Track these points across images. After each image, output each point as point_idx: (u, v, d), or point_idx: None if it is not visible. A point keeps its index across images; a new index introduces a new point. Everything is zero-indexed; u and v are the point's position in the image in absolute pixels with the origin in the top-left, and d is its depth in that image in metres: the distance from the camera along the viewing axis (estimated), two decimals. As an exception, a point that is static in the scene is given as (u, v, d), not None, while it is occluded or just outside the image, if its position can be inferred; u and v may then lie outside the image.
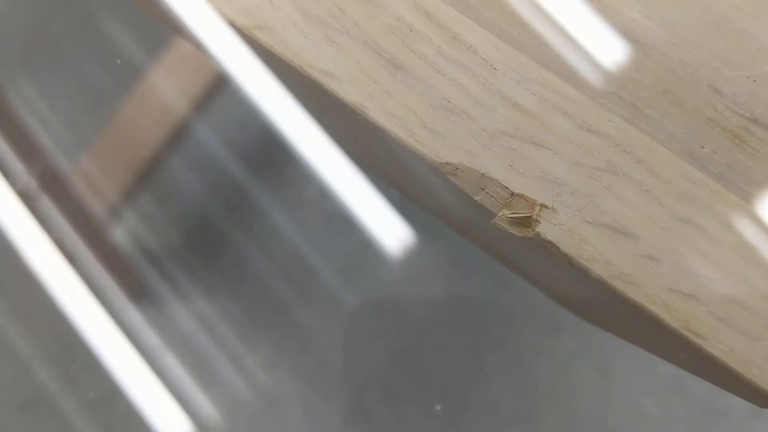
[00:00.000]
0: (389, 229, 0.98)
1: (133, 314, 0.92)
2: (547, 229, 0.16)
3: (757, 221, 0.17)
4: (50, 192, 0.77)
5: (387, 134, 0.17)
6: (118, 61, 0.80)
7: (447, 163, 0.16)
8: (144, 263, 0.94)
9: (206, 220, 0.95)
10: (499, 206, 0.16)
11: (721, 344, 0.15)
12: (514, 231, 0.16)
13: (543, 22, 0.17)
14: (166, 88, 0.83)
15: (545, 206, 0.16)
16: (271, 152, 1.04)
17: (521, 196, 0.16)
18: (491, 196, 0.16)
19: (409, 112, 0.17)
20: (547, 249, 0.16)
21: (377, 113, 0.16)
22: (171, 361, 0.91)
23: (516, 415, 0.90)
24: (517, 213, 0.16)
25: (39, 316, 0.86)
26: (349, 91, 0.17)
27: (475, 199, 0.16)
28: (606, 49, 0.17)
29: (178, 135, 0.85)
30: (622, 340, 0.89)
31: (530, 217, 0.16)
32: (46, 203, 0.82)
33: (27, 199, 0.74)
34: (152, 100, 0.80)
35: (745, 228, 0.16)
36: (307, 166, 0.99)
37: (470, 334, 0.93)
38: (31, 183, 0.82)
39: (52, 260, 0.80)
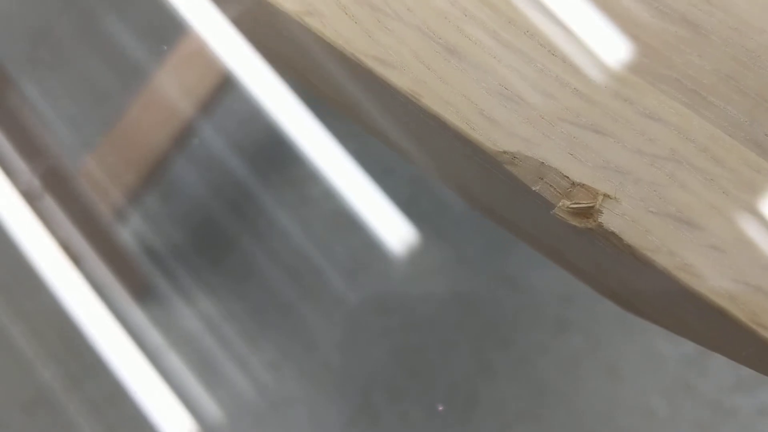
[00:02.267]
0: (394, 228, 0.98)
1: (137, 314, 0.92)
2: (609, 219, 0.16)
3: None
4: (54, 191, 0.77)
5: (441, 121, 0.16)
6: (165, 47, 0.80)
7: (504, 152, 0.16)
8: (148, 263, 0.94)
9: (211, 220, 0.95)
10: (559, 196, 0.16)
11: None
12: (575, 222, 0.16)
13: (601, 6, 0.17)
14: (172, 89, 0.83)
15: (608, 196, 0.16)
16: (275, 152, 1.04)
17: (582, 185, 0.16)
18: (550, 185, 0.16)
19: (464, 99, 0.16)
20: (609, 240, 0.16)
21: (431, 100, 0.16)
22: (175, 361, 0.91)
23: (523, 414, 0.90)
24: (579, 203, 0.16)
25: (43, 315, 0.86)
26: (402, 78, 0.16)
27: (534, 189, 0.16)
28: (667, 34, 0.17)
29: (184, 135, 0.85)
30: (631, 339, 0.89)
31: (592, 207, 0.16)
32: (50, 203, 0.82)
33: (30, 198, 0.73)
34: (158, 101, 0.80)
35: None
36: (312, 165, 0.99)
37: (476, 333, 0.93)
38: (34, 182, 0.82)
39: (56, 260, 0.79)
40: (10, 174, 0.79)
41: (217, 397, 0.90)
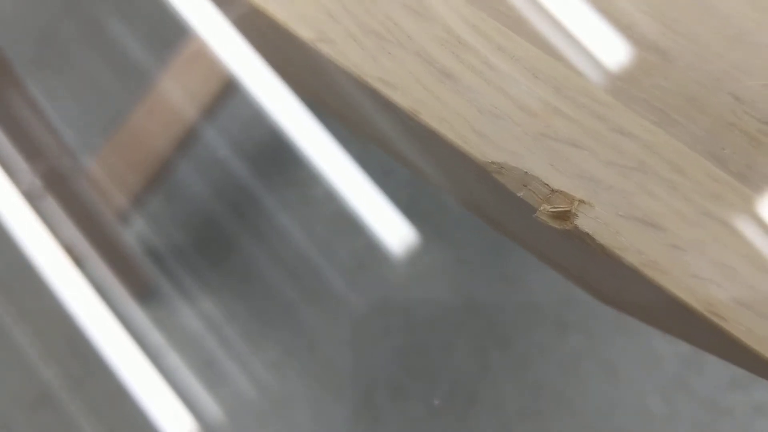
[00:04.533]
0: (394, 229, 0.99)
1: (140, 314, 0.94)
2: (584, 222, 0.18)
3: None
4: (58, 192, 0.78)
5: (438, 137, 0.19)
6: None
7: (493, 163, 0.19)
8: (151, 264, 0.96)
9: (213, 222, 0.97)
10: (540, 201, 0.18)
11: (741, 325, 0.17)
12: (554, 224, 0.18)
13: (581, 37, 0.19)
14: (175, 93, 0.85)
15: (583, 202, 0.18)
16: (277, 154, 1.06)
17: (561, 192, 0.18)
18: (533, 192, 0.19)
19: (458, 116, 0.19)
20: (584, 240, 0.18)
21: (429, 118, 0.19)
22: (177, 361, 0.92)
23: (523, 413, 0.92)
24: (557, 208, 0.18)
25: (45, 315, 0.87)
26: (403, 97, 0.19)
27: (518, 195, 0.19)
28: (638, 60, 0.19)
29: (187, 138, 0.87)
30: (628, 339, 0.91)
31: (569, 211, 0.18)
32: (52, 203, 0.83)
33: (31, 198, 0.75)
34: (161, 105, 0.82)
35: (763, 221, 0.18)
36: (313, 167, 1.01)
37: (476, 333, 0.94)
38: (35, 183, 0.83)
39: (59, 260, 0.80)
40: (13, 174, 0.79)
41: (219, 396, 0.92)
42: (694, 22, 0.19)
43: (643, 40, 0.19)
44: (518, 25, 0.20)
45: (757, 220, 0.18)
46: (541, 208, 0.18)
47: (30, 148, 0.72)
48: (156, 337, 0.93)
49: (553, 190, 0.18)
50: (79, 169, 0.86)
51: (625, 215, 0.18)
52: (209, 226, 0.98)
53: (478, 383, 0.92)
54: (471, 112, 0.19)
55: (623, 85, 0.19)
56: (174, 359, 0.91)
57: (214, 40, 0.76)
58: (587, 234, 0.18)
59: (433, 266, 0.97)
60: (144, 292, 0.96)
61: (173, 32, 0.95)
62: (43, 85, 1.03)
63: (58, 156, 0.82)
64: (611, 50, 0.19)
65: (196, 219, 0.99)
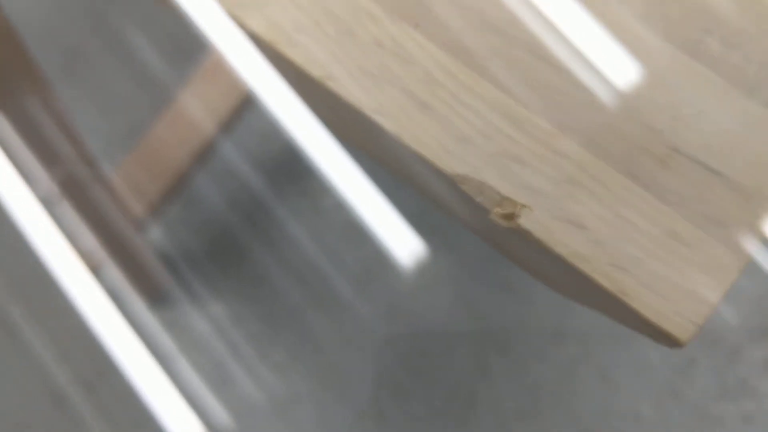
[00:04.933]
0: (403, 240, 1.04)
1: (152, 319, 0.98)
2: (525, 222, 0.25)
3: (675, 219, 0.25)
4: (76, 198, 0.81)
5: (417, 155, 0.25)
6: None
7: (458, 175, 0.25)
8: (165, 269, 1.00)
9: (227, 230, 1.02)
10: (493, 205, 0.25)
11: (641, 301, 0.23)
12: (503, 223, 0.25)
13: (533, 79, 0.26)
14: (195, 106, 0.89)
15: (524, 206, 0.25)
16: (290, 166, 1.11)
17: (508, 198, 0.25)
18: (488, 198, 0.25)
19: (433, 139, 0.25)
20: (525, 236, 0.25)
21: (411, 140, 0.25)
22: (186, 365, 0.96)
23: (521, 414, 0.97)
24: (505, 210, 0.25)
25: (59, 319, 0.91)
26: (391, 124, 0.25)
27: (477, 200, 0.25)
28: (575, 100, 0.26)
29: (205, 150, 0.92)
30: (620, 347, 0.97)
31: (514, 213, 0.25)
32: (70, 210, 0.88)
33: (49, 205, 0.79)
34: (181, 118, 0.86)
35: (665, 223, 0.24)
36: (325, 178, 1.06)
37: (478, 339, 0.99)
38: (53, 189, 0.86)
39: (74, 266, 0.82)
40: (31, 180, 0.85)
41: (227, 398, 0.96)
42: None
43: (572, 85, 0.26)
44: (485, 71, 0.26)
45: (662, 222, 0.24)
46: (494, 210, 0.24)
47: (50, 155, 0.75)
48: (166, 341, 0.97)
49: (502, 197, 0.25)
50: (99, 177, 0.91)
51: (557, 217, 0.24)
52: (223, 234, 1.02)
53: (479, 385, 0.97)
54: (444, 136, 0.25)
55: (562, 118, 0.25)
56: (184, 363, 0.95)
57: (233, 54, 0.79)
58: (527, 231, 0.24)
59: (438, 275, 1.02)
60: (157, 297, 1.00)
61: (194, 47, 1.00)
62: (68, 95, 1.08)
63: (78, 163, 0.87)
64: (559, 91, 0.26)
65: (211, 227, 1.04)
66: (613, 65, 0.25)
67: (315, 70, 0.26)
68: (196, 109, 0.90)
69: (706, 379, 0.98)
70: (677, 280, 0.24)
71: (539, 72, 0.26)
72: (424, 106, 0.25)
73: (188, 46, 1.01)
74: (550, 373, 0.98)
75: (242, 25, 0.27)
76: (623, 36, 0.26)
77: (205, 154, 0.91)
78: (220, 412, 0.95)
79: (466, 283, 1.01)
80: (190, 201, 1.03)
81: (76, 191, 0.75)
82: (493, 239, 0.27)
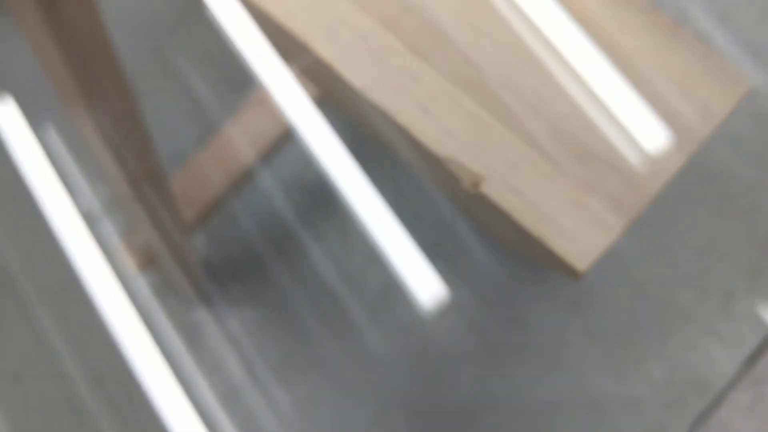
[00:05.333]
0: (420, 269, 1.12)
1: (176, 340, 1.04)
2: (486, 188, 0.37)
3: (580, 192, 0.37)
4: (140, 200, 0.87)
5: (421, 144, 0.38)
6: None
7: (444, 157, 0.37)
8: (193, 293, 1.06)
9: (255, 259, 1.07)
10: (465, 178, 0.37)
11: (556, 244, 0.36)
12: (470, 189, 0.37)
13: (514, 102, 0.39)
14: (238, 137, 0.98)
15: (483, 177, 0.37)
16: (319, 196, 1.16)
17: (475, 174, 0.37)
18: (462, 172, 0.37)
19: (430, 132, 0.38)
20: (485, 199, 0.37)
21: (418, 133, 0.37)
22: (205, 389, 1.00)
23: None
24: (473, 180, 0.37)
25: (88, 332, 0.92)
26: (405, 122, 0.38)
27: (456, 173, 0.37)
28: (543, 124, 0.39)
29: (243, 177, 0.99)
30: (615, 381, 1.04)
31: (477, 182, 0.37)
32: (107, 227, 0.93)
33: (90, 220, 0.82)
34: (224, 148, 0.93)
35: (575, 197, 0.37)
36: (350, 209, 1.11)
37: (482, 363, 1.06)
38: (95, 204, 0.90)
39: (106, 281, 0.84)
40: (75, 195, 0.86)
41: (243, 412, 1.00)
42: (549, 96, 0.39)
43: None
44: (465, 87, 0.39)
45: (571, 195, 0.37)
46: (464, 181, 0.37)
47: (127, 157, 0.81)
48: (188, 364, 1.02)
49: (472, 173, 0.37)
50: (138, 199, 0.97)
51: (508, 186, 0.37)
52: (250, 255, 1.07)
53: (481, 405, 1.04)
54: (436, 132, 0.38)
55: (520, 122, 0.38)
56: (203, 386, 1.01)
57: (278, 90, 0.87)
58: (486, 195, 0.37)
59: (451, 304, 1.09)
60: (184, 320, 1.03)
61: (243, 83, 1.07)
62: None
63: (147, 166, 0.93)
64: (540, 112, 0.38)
65: (240, 248, 1.08)
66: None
67: (356, 83, 0.39)
68: (240, 139, 0.98)
69: (696, 415, 1.04)
70: (579, 232, 0.36)
71: (522, 90, 0.39)
72: (426, 111, 0.38)
73: (239, 81, 1.09)
74: (545, 397, 1.05)
75: (314, 52, 0.40)
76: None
77: (243, 180, 1.00)
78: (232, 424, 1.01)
79: (476, 311, 1.08)
80: (223, 225, 1.05)
81: (143, 192, 0.81)
82: (460, 201, 0.40)
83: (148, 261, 0.93)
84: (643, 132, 0.37)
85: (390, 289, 1.09)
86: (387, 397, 1.04)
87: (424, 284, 1.14)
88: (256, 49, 0.86)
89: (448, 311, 1.12)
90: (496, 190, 0.37)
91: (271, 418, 1.03)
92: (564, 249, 0.35)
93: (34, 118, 0.81)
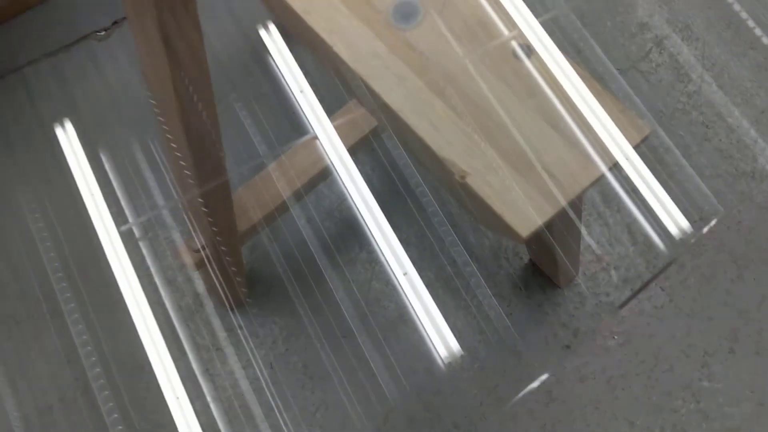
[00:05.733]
0: (440, 333, 1.19)
1: (196, 364, 1.08)
2: (471, 182, 0.56)
3: (530, 178, 0.56)
4: (209, 206, 0.88)
5: (428, 147, 0.56)
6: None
7: (444, 157, 0.56)
8: (234, 298, 1.10)
9: (288, 276, 1.17)
10: (458, 173, 0.56)
11: (510, 216, 0.54)
12: (459, 180, 0.56)
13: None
14: (286, 173, 1.06)
15: (469, 173, 0.56)
16: (347, 238, 1.26)
17: (465, 171, 0.56)
18: (456, 169, 0.56)
19: (438, 137, 0.56)
20: (469, 190, 0.56)
21: (429, 140, 0.56)
22: (217, 414, 1.04)
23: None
24: (462, 176, 0.56)
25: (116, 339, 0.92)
26: (422, 133, 0.56)
27: (452, 170, 0.56)
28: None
29: (285, 208, 1.05)
30: (605, 420, 1.16)
31: (464, 177, 0.56)
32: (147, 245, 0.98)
33: (127, 238, 0.82)
34: (274, 179, 1.03)
35: (533, 181, 0.55)
36: (375, 247, 1.18)
37: (484, 390, 1.15)
38: (136, 224, 0.93)
39: (141, 300, 0.81)
40: (115, 214, 0.84)
41: (265, 407, 1.07)
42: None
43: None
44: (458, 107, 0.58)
45: (530, 180, 0.55)
46: (458, 175, 0.55)
47: (203, 166, 0.78)
48: (201, 386, 1.05)
49: (463, 170, 0.56)
50: (174, 222, 1.03)
51: (487, 182, 0.55)
52: (284, 272, 1.18)
53: (478, 428, 1.12)
54: (441, 141, 0.56)
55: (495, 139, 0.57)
56: (214, 411, 1.03)
57: (322, 137, 0.90)
58: (470, 186, 0.55)
59: (466, 367, 1.19)
60: (235, 304, 1.11)
61: (291, 131, 1.12)
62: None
63: (160, 206, 1.00)
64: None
65: (277, 264, 1.18)
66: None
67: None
68: (287, 172, 1.06)
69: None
70: (526, 212, 0.55)
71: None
72: (435, 126, 0.56)
73: (287, 129, 1.17)
74: (537, 427, 1.13)
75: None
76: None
77: (285, 207, 1.05)
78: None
79: (489, 379, 1.16)
80: (265, 240, 1.16)
81: (211, 202, 0.87)
82: (453, 189, 0.58)
83: (201, 264, 1.03)
84: (569, 152, 0.56)
85: (403, 318, 1.19)
86: (388, 409, 1.11)
87: (442, 348, 1.18)
88: (306, 99, 0.94)
89: (462, 377, 1.20)
90: (475, 182, 0.55)
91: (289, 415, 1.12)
92: (516, 224, 0.54)
93: (90, 141, 0.85)
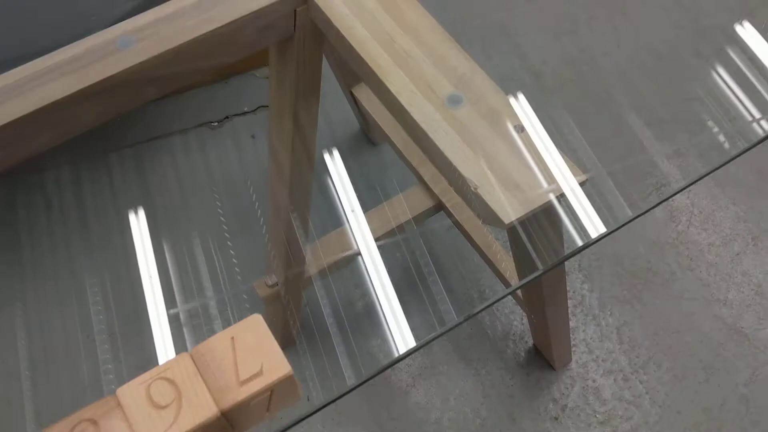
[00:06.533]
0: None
1: None
2: (481, 192, 0.79)
3: (519, 177, 0.78)
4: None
5: (450, 164, 0.79)
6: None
7: (460, 174, 0.79)
8: (288, 334, 1.26)
9: (331, 325, 1.32)
10: (473, 186, 0.79)
11: (500, 208, 0.77)
12: (473, 190, 0.78)
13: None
14: (325, 252, 1.29)
15: (478, 186, 0.79)
16: (364, 322, 1.49)
17: (477, 185, 0.79)
18: (470, 184, 0.79)
19: (460, 157, 0.79)
20: (479, 196, 0.78)
21: (452, 157, 0.79)
22: None
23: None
24: (474, 188, 0.78)
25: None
26: (448, 155, 0.80)
27: (472, 186, 0.79)
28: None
29: (305, 285, 1.25)
30: None
31: (477, 189, 0.79)
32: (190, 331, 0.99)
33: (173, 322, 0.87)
34: (298, 258, 1.25)
35: (519, 180, 0.78)
36: (383, 342, 1.43)
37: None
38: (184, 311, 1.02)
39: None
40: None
41: None
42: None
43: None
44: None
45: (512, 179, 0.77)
46: (473, 188, 0.78)
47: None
48: None
49: (475, 185, 0.78)
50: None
51: (488, 192, 0.78)
52: (329, 321, 1.32)
53: None
54: (459, 156, 0.80)
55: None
56: None
57: (352, 229, 1.13)
58: (480, 195, 0.78)
59: (468, 423, 1.38)
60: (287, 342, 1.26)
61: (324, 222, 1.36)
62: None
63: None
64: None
65: (323, 313, 1.33)
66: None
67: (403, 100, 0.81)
68: (325, 252, 1.28)
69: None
70: (512, 210, 0.77)
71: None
72: (454, 151, 0.80)
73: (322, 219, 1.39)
74: None
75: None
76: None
77: (304, 288, 1.26)
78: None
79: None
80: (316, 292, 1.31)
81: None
82: (467, 197, 0.81)
83: (271, 297, 1.23)
84: (543, 173, 0.80)
85: (424, 374, 1.38)
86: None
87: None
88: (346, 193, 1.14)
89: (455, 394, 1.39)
90: (484, 192, 0.79)
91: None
92: (503, 216, 0.77)
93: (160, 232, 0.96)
